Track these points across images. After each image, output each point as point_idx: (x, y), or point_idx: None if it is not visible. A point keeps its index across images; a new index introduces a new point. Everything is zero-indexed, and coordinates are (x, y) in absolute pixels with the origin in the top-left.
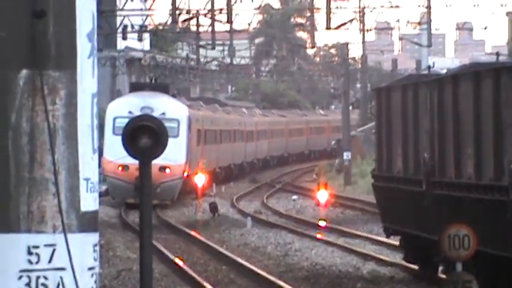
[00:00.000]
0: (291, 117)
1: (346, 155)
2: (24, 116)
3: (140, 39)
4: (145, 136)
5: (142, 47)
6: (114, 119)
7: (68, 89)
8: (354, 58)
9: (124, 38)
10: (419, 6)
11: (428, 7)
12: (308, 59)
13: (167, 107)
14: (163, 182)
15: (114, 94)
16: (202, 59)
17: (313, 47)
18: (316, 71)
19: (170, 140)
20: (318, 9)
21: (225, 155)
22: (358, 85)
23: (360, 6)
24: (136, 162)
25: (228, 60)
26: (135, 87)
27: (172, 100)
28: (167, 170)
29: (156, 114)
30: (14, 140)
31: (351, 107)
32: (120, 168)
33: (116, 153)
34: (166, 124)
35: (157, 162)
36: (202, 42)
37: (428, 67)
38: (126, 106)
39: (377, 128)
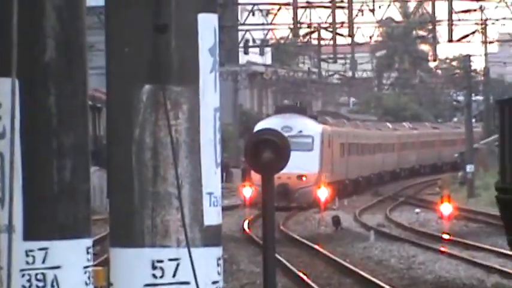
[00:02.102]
0: (422, 130)
1: (469, 168)
2: (147, 131)
3: (262, 54)
4: (268, 150)
5: (264, 61)
6: None
7: (191, 103)
8: (476, 70)
9: (246, 52)
10: None
11: None
12: (430, 72)
13: (303, 126)
14: (300, 188)
15: (237, 108)
16: (323, 73)
17: (435, 60)
18: (438, 84)
19: (306, 153)
20: (439, 21)
21: (363, 166)
22: (481, 97)
23: (482, 18)
24: (281, 172)
25: (349, 73)
26: (278, 110)
27: (308, 120)
28: (303, 178)
29: (294, 132)
30: (138, 155)
31: (473, 120)
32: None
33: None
34: (303, 140)
35: (295, 171)
36: (323, 56)
37: None
38: (270, 126)
39: (500, 140)
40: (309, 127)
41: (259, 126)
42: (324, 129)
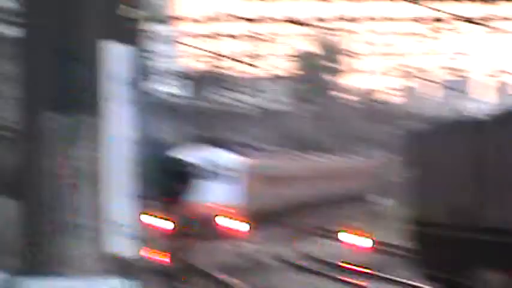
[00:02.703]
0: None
1: (383, 200)
2: (55, 161)
3: (173, 83)
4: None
5: (175, 91)
6: None
7: (100, 132)
8: (390, 103)
9: (157, 81)
10: (457, 52)
11: (466, 53)
12: (343, 104)
13: (226, 159)
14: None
15: (147, 137)
16: (235, 103)
17: (348, 91)
18: (351, 116)
19: (231, 185)
20: (354, 54)
21: (285, 197)
22: (395, 130)
23: (396, 52)
24: (207, 201)
25: (263, 104)
26: (203, 143)
27: (230, 153)
28: (229, 209)
29: (220, 165)
30: (47, 185)
31: (388, 152)
32: (195, 207)
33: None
34: (228, 172)
35: (222, 201)
36: (235, 86)
37: (467, 112)
38: (195, 158)
39: (415, 173)
40: (234, 161)
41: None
42: (249, 163)
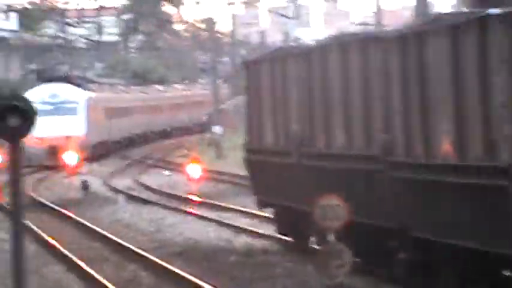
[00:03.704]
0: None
1: (217, 129)
2: None
3: (7, 19)
4: (13, 116)
5: (10, 27)
6: None
7: None
8: (222, 32)
9: None
10: None
11: None
12: (176, 34)
13: (69, 93)
14: (70, 147)
15: None
16: (70, 37)
17: (180, 21)
18: (184, 46)
19: (72, 117)
20: None
21: (123, 128)
22: (227, 59)
23: None
24: (48, 134)
25: (96, 37)
26: (45, 79)
27: (73, 87)
28: (71, 139)
29: (60, 99)
30: None
31: (220, 81)
32: (36, 140)
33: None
34: (68, 106)
35: (63, 133)
36: (69, 20)
37: (296, 39)
38: (39, 94)
39: (247, 102)
40: (74, 94)
41: (28, 95)
42: (88, 96)
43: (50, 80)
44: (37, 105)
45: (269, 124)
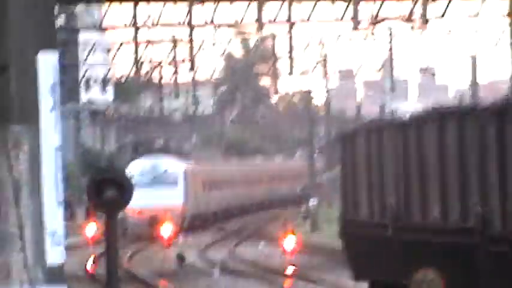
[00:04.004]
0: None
1: (312, 201)
2: None
3: (104, 92)
4: (110, 189)
5: (106, 99)
6: (131, 176)
7: (31, 143)
8: (317, 105)
9: (87, 90)
10: (381, 52)
11: (391, 53)
12: (272, 107)
13: (168, 165)
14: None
15: (79, 147)
16: (166, 110)
17: (276, 93)
18: (280, 119)
19: (171, 189)
20: (280, 56)
21: (223, 200)
22: (323, 131)
23: (322, 53)
24: (147, 206)
25: (192, 109)
26: (147, 152)
27: (172, 160)
28: (170, 211)
29: (160, 171)
30: None
31: (315, 154)
32: (137, 211)
33: (134, 201)
34: (168, 177)
35: (163, 205)
36: (165, 93)
37: (392, 112)
38: (139, 167)
39: (342, 174)
40: (173, 166)
41: (129, 168)
42: (187, 168)
43: (150, 152)
44: (138, 177)
45: (364, 196)
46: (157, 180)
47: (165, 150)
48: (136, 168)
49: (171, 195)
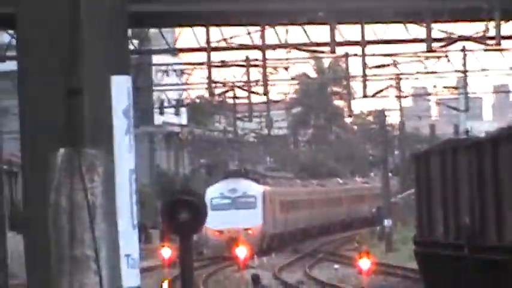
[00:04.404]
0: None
1: (387, 222)
2: (63, 195)
3: (177, 114)
4: (184, 211)
5: (180, 121)
6: (211, 198)
7: (106, 166)
8: (391, 124)
9: (161, 113)
10: (455, 71)
11: (464, 71)
12: (346, 127)
13: (247, 187)
14: (248, 239)
15: (153, 169)
16: (239, 131)
17: (350, 115)
18: (354, 139)
19: (250, 210)
20: (354, 77)
21: (299, 220)
22: (397, 152)
23: (395, 73)
24: (228, 227)
25: (265, 131)
26: (225, 175)
27: (251, 182)
28: (250, 231)
29: (239, 193)
30: (54, 219)
31: (390, 174)
32: (217, 232)
33: (214, 223)
34: (247, 199)
35: (242, 226)
36: (239, 115)
37: (467, 131)
38: (219, 189)
39: (417, 194)
40: (252, 188)
41: (210, 189)
42: (265, 190)
43: (229, 175)
44: (218, 199)
45: (439, 216)
46: (237, 202)
47: (246, 173)
48: (216, 191)
49: (250, 216)
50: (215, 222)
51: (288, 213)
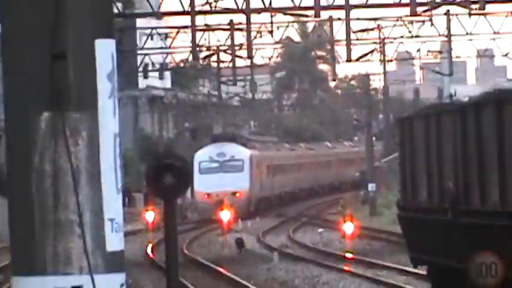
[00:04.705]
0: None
1: (371, 186)
2: (47, 158)
3: (161, 78)
4: (169, 175)
5: (164, 85)
6: (200, 162)
7: (90, 130)
8: (375, 89)
9: (145, 76)
10: (439, 35)
11: (449, 36)
12: (330, 92)
13: (235, 152)
14: (235, 202)
15: (137, 133)
16: (223, 95)
17: (334, 80)
18: (338, 103)
19: (238, 174)
20: (338, 41)
21: (285, 184)
22: (381, 116)
23: (380, 37)
24: (216, 190)
25: (249, 95)
26: (213, 139)
27: (239, 146)
28: (237, 194)
29: (227, 157)
30: (38, 183)
31: (374, 138)
32: (206, 195)
33: (202, 186)
34: (235, 163)
35: (230, 189)
36: (223, 78)
37: (450, 95)
38: (207, 153)
39: (401, 158)
40: (240, 152)
41: (199, 152)
42: (252, 154)
43: (217, 139)
44: (206, 163)
45: (423, 181)
46: (225, 166)
47: (234, 137)
48: (204, 155)
49: (238, 180)
50: (203, 185)
51: (274, 176)
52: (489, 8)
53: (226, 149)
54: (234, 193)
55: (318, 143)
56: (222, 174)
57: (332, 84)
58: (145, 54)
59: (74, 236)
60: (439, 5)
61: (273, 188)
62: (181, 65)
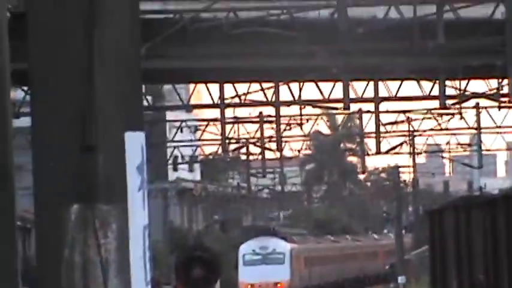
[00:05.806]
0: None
1: (401, 279)
2: (76, 250)
3: (191, 170)
4: (198, 267)
5: (193, 177)
6: (244, 254)
7: (119, 222)
8: (405, 181)
9: (175, 169)
10: (469, 127)
11: (478, 128)
12: (359, 184)
13: (276, 245)
14: None
15: (167, 225)
16: (253, 187)
17: (363, 172)
18: (367, 196)
19: (279, 266)
20: (367, 134)
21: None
22: (410, 208)
23: (409, 130)
24: (259, 280)
25: (279, 187)
26: (256, 234)
27: (280, 240)
28: (278, 285)
29: (269, 250)
30: (68, 275)
31: (403, 231)
32: (249, 286)
33: (246, 277)
34: (276, 256)
35: (272, 280)
36: (252, 171)
37: (480, 188)
38: (251, 246)
39: (431, 251)
40: (280, 246)
41: (243, 246)
42: (292, 247)
43: (260, 234)
44: (249, 256)
45: (453, 273)
46: (267, 258)
47: (274, 232)
48: (248, 247)
49: (279, 271)
50: (247, 276)
51: (312, 268)
52: None
53: (268, 243)
54: (275, 283)
55: (343, 236)
56: (264, 266)
57: (361, 176)
58: (175, 147)
59: None
60: (468, 98)
61: (310, 278)
62: (211, 157)
